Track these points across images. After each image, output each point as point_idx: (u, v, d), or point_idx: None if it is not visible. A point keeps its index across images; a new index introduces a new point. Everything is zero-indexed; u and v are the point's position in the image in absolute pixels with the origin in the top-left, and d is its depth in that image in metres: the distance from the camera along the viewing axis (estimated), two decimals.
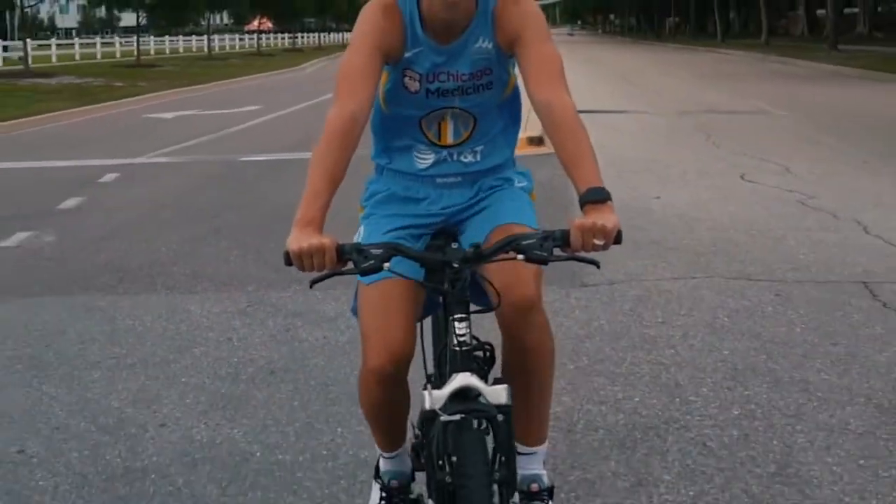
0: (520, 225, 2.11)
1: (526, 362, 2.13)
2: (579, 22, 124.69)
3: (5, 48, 33.17)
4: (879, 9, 43.06)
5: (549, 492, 2.26)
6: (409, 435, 2.29)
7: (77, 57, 37.44)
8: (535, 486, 2.24)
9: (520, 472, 2.15)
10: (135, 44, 35.42)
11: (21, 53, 28.56)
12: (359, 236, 2.19)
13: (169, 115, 16.97)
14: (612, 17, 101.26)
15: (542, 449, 2.26)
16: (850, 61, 28.66)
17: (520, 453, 2.15)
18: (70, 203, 7.77)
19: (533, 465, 2.24)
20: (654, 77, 25.30)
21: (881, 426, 3.08)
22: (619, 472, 2.78)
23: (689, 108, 15.60)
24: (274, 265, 4.98)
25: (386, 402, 2.15)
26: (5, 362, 3.84)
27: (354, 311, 2.19)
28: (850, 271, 4.97)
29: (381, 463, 2.34)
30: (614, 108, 15.19)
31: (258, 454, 2.96)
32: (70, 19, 34.57)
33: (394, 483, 2.32)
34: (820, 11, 43.48)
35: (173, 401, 3.37)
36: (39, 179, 9.45)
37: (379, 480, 2.34)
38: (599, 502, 2.63)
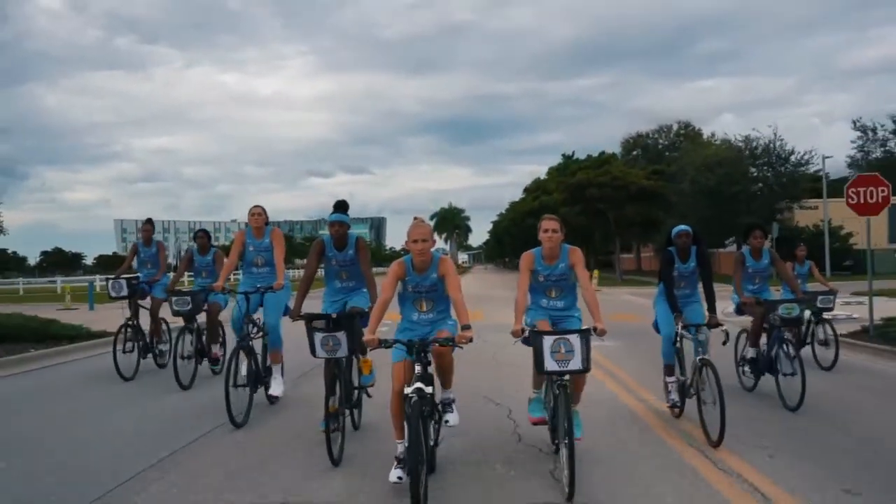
0: (445, 330, 5.21)
1: (443, 365, 5.30)
2: (493, 262, 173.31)
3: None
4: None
5: (452, 402, 5.54)
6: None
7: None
8: (446, 400, 5.38)
9: (441, 397, 5.35)
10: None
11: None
12: (394, 333, 5.20)
13: None
14: (506, 259, 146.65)
15: (450, 390, 5.48)
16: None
17: (444, 389, 5.42)
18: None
19: (448, 394, 5.43)
20: (489, 280, 44.93)
21: None
22: None
23: (486, 290, 32.73)
24: None
25: (398, 402, 4.95)
26: None
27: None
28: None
29: (397, 448, 5.04)
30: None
31: None
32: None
33: (401, 456, 4.97)
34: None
35: None
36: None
37: (397, 466, 4.97)
38: None
